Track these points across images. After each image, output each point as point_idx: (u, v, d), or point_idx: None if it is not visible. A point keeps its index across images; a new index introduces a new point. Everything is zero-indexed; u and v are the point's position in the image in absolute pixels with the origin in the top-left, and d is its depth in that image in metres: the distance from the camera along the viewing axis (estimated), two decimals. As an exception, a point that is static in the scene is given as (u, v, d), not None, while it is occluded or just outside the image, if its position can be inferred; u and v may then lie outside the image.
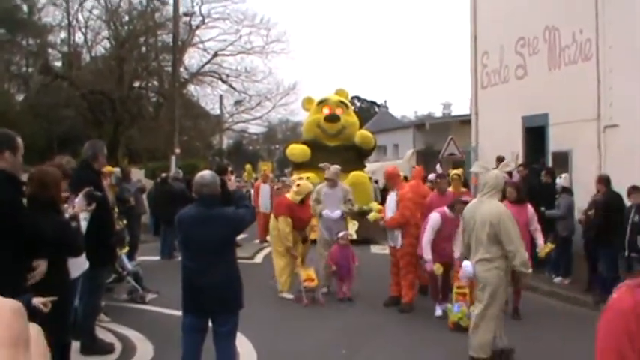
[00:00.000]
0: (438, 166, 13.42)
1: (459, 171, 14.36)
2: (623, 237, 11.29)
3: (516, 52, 20.30)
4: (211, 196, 6.85)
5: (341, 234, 12.93)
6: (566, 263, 14.07)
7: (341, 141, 23.25)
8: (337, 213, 13.36)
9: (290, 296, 12.73)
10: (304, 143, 23.54)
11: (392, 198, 12.19)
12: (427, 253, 11.00)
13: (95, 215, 7.80)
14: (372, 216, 13.10)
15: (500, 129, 20.69)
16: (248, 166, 34.83)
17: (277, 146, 74.31)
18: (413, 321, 11.19)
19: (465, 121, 25.89)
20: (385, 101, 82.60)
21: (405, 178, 22.07)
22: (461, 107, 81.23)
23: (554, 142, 18.16)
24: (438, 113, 45.56)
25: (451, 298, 11.04)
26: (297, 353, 9.38)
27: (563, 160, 17.17)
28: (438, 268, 11.01)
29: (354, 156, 22.89)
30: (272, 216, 13.55)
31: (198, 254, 6.81)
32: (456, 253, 10.82)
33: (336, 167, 14.04)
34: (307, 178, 16.00)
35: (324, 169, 14.32)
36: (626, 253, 11.18)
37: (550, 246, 11.65)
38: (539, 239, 11.37)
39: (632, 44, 14.93)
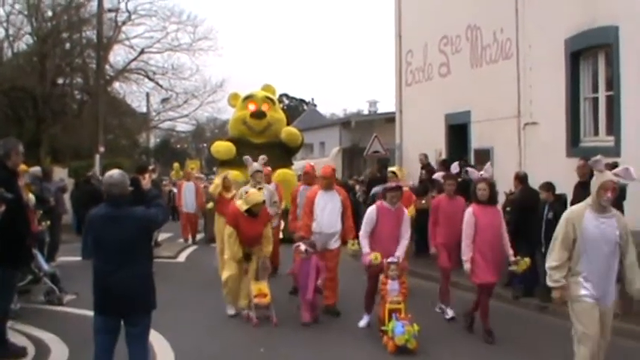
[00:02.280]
0: (454, 165, 11.94)
1: (395, 168, 14.22)
2: (540, 233, 11.46)
3: (440, 50, 20.54)
4: (120, 196, 6.75)
5: (301, 247, 11.10)
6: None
7: (267, 138, 22.95)
8: None
9: (232, 312, 11.35)
10: (230, 140, 23.16)
11: (302, 194, 12.40)
12: (364, 246, 10.24)
13: (6, 216, 7.58)
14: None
15: (424, 126, 20.89)
16: (176, 165, 34.43)
17: (205, 144, 73.73)
18: (338, 323, 11.04)
19: (390, 119, 26.07)
20: (313, 99, 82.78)
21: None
22: (387, 105, 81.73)
23: (476, 139, 18.44)
24: (366, 111, 45.71)
25: (380, 315, 10.06)
26: (215, 353, 9.27)
27: (484, 157, 17.39)
28: (375, 258, 10.02)
29: (281, 153, 22.54)
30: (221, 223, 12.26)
31: (108, 254, 6.69)
32: (465, 256, 9.93)
33: (262, 158, 13.79)
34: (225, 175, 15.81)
35: (246, 163, 13.65)
36: (543, 249, 11.32)
37: (527, 262, 9.96)
38: (509, 249, 10.06)
39: (551, 43, 15.21)
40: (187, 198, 22.57)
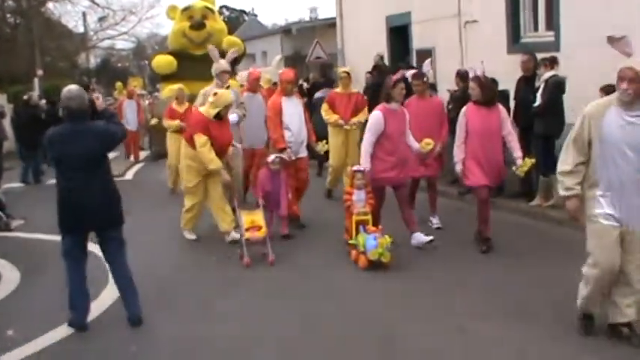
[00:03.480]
0: (426, 63, 11.03)
1: (347, 68, 13.85)
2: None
3: (380, -49, 20.20)
4: (79, 110, 6.70)
5: (271, 157, 10.31)
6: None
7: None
8: (234, 117, 11.20)
9: (192, 236, 10.61)
10: (170, 54, 22.81)
11: (249, 101, 11.99)
12: (365, 161, 9.27)
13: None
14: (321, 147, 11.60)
15: (365, 30, 20.74)
16: (119, 84, 33.76)
17: (147, 62, 72.54)
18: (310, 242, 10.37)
19: (331, 25, 25.82)
20: (253, 9, 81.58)
21: (275, 84, 22.09)
22: (328, 11, 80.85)
23: (418, 40, 18.38)
24: (307, 18, 45.18)
25: (347, 228, 9.55)
26: (168, 273, 9.17)
27: (426, 57, 17.26)
28: (427, 143, 9.44)
29: None
30: (182, 143, 10.59)
31: (73, 171, 6.68)
32: (456, 158, 9.43)
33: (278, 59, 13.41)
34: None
35: (212, 56, 12.33)
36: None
37: (531, 161, 9.30)
38: (517, 150, 9.33)
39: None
40: (128, 116, 22.30)
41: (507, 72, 12.10)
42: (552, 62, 11.12)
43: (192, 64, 21.40)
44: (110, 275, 7.45)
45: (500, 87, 11.80)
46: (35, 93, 26.58)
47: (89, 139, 6.64)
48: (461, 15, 16.31)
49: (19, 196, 14.13)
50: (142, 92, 26.48)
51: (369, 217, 9.11)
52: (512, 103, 11.77)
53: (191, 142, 9.88)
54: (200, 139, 9.68)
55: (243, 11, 78.52)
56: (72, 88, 6.83)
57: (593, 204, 5.85)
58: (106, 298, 7.89)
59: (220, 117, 9.84)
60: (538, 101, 10.92)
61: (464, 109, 9.46)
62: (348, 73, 12.99)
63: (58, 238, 7.11)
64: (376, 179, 9.35)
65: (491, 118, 9.26)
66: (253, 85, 12.39)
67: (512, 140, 9.34)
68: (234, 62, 23.24)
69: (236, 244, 9.71)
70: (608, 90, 9.81)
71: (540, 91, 10.97)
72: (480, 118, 9.21)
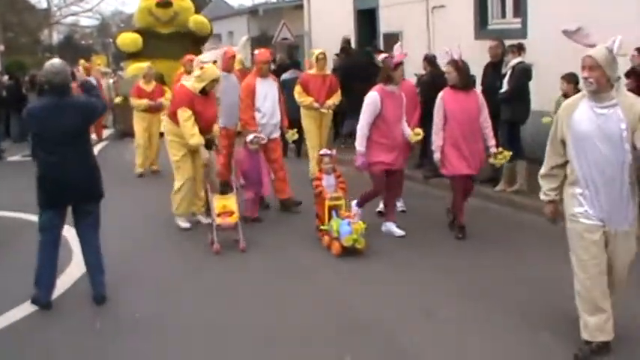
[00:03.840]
0: (396, 47, 10.15)
1: (323, 50, 13.44)
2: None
3: None
4: (63, 85, 6.67)
5: (250, 137, 10.08)
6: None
7: (175, 27, 22.43)
8: None
9: (186, 224, 9.92)
10: (136, 32, 22.61)
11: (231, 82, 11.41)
12: (361, 144, 8.99)
13: None
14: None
15: (333, 12, 20.72)
16: (82, 61, 33.38)
17: (111, 39, 71.72)
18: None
19: (298, 6, 25.70)
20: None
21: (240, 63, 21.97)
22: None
23: (385, 24, 18.40)
24: (274, 0, 44.97)
25: (319, 214, 9.22)
26: (136, 248, 9.17)
27: (394, 42, 17.32)
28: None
29: (190, 43, 21.83)
30: (164, 118, 10.30)
31: (54, 146, 6.64)
32: (434, 145, 9.19)
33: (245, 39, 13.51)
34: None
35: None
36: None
37: (507, 154, 9.29)
38: (491, 138, 9.18)
39: None
40: (88, 93, 21.96)
41: (474, 58, 12.10)
42: (519, 49, 11.18)
43: (158, 43, 21.29)
44: (73, 253, 7.38)
45: (468, 72, 11.87)
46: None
47: (72, 113, 6.64)
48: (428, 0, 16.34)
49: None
50: (105, 70, 26.15)
51: (342, 202, 8.87)
52: (478, 89, 11.82)
53: (174, 118, 9.51)
54: (184, 113, 9.31)
55: (209, -10, 77.83)
56: (55, 62, 6.80)
57: (573, 202, 5.46)
58: (69, 275, 7.82)
59: (206, 92, 9.46)
60: (505, 87, 10.97)
61: (441, 93, 9.15)
62: (324, 54, 12.78)
63: (19, 215, 7.04)
64: (373, 163, 9.08)
65: (470, 102, 9.05)
66: (228, 65, 11.82)
67: (488, 127, 9.13)
68: (199, 42, 23.09)
69: (199, 224, 9.77)
70: (569, 79, 9.95)
71: (507, 77, 11.02)
72: (458, 103, 8.97)
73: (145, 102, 14.48)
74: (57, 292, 7.16)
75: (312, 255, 8.66)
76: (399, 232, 9.29)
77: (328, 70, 13.32)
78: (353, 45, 18.97)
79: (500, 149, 9.24)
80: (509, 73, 11.02)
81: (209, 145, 9.70)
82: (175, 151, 9.75)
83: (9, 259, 8.58)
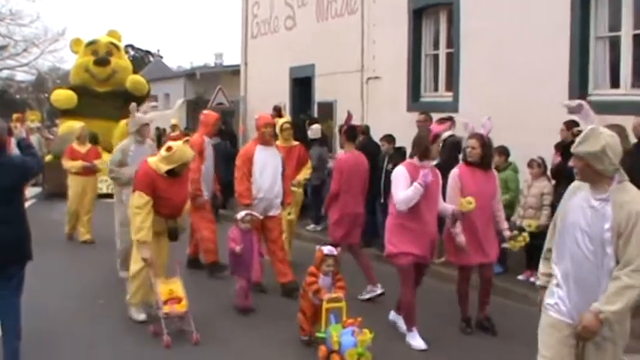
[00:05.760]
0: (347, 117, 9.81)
1: (287, 118, 12.83)
2: (380, 183, 11.73)
3: (286, 3, 20.42)
4: (1, 142, 6.43)
5: (241, 214, 9.04)
6: (317, 211, 14.03)
7: (111, 86, 22.21)
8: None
9: (142, 316, 8.49)
10: (71, 89, 22.30)
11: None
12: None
13: None
14: None
15: (269, 79, 20.82)
16: (16, 116, 32.89)
17: (47, 95, 70.92)
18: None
19: (235, 71, 25.86)
20: (159, 50, 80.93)
21: (175, 127, 21.88)
22: (233, 57, 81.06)
23: (320, 93, 18.54)
24: (213, 64, 45.21)
25: (302, 318, 7.75)
26: (54, 305, 8.89)
27: (328, 111, 17.59)
28: (468, 202, 7.65)
29: (126, 103, 21.61)
30: (130, 192, 8.70)
31: None
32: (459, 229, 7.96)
33: (152, 105, 12.78)
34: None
35: (132, 113, 10.61)
36: (382, 200, 11.61)
37: (525, 236, 8.13)
38: (503, 221, 8.29)
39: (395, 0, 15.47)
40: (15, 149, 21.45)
41: (406, 129, 12.29)
42: (449, 122, 11.37)
43: (94, 101, 21.07)
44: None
45: (398, 143, 12.04)
46: None
47: (7, 171, 6.36)
48: (364, 70, 16.58)
49: None
50: (35, 125, 25.69)
51: (342, 304, 7.36)
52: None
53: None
54: (140, 199, 8.01)
55: (148, 52, 77.85)
56: None
57: (549, 292, 4.87)
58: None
59: (175, 174, 8.16)
60: (436, 160, 11.10)
61: (456, 170, 8.17)
62: (289, 124, 11.62)
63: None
64: (401, 255, 7.69)
65: (489, 183, 8.10)
66: (213, 129, 11.24)
67: (500, 209, 8.28)
68: (137, 102, 22.83)
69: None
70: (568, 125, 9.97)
71: (411, 146, 11.22)
72: (476, 183, 7.95)
73: (79, 163, 13.76)
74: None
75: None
76: (421, 344, 7.74)
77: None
78: (288, 113, 19.09)
79: (516, 232, 8.21)
80: (440, 145, 11.15)
81: (173, 235, 8.49)
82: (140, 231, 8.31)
83: None
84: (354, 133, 9.90)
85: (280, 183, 9.84)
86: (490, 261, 8.24)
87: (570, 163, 4.78)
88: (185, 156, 8.13)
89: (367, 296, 9.55)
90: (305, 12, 19.32)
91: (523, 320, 8.23)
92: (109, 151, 15.49)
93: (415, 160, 7.69)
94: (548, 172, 10.52)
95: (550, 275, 4.91)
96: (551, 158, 10.56)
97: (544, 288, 4.96)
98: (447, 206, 7.86)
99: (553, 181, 10.43)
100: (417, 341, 7.72)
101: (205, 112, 10.80)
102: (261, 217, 9.27)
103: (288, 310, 8.63)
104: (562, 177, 9.84)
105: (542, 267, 5.08)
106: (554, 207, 8.56)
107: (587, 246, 4.58)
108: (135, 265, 8.40)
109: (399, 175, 7.59)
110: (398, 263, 7.73)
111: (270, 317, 8.77)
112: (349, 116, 9.82)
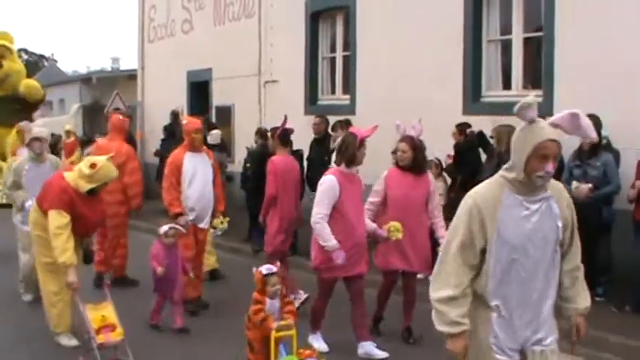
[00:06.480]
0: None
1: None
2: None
3: (183, 6, 20.25)
4: None
5: (164, 228, 8.22)
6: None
7: (4, 91, 21.11)
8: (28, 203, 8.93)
9: (72, 343, 7.66)
10: (-41, 95, 21.29)
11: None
12: (326, 236, 7.15)
13: None
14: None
15: (166, 83, 20.60)
16: None
17: None
18: None
19: (132, 76, 25.48)
20: (53, 54, 79.28)
21: (70, 133, 21.29)
22: (130, 62, 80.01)
23: (218, 97, 18.45)
24: (109, 68, 44.46)
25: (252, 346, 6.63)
26: None
27: (226, 114, 17.49)
28: (395, 229, 7.37)
29: (20, 108, 20.55)
30: (32, 210, 8.02)
31: None
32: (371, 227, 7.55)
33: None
34: None
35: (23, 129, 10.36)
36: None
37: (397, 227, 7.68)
38: (440, 228, 7.72)
39: (292, 3, 15.55)
40: None
41: (303, 132, 12.33)
42: (347, 125, 11.45)
43: (-15, 106, 20.17)
44: None
45: (296, 146, 12.01)
46: None
47: None
48: (261, 74, 16.56)
49: None
50: None
51: (293, 332, 6.41)
52: (305, 163, 11.99)
53: (45, 212, 7.46)
54: (61, 218, 7.23)
55: (42, 56, 76.10)
56: None
57: (486, 330, 4.07)
58: None
59: (95, 193, 7.55)
60: (333, 162, 11.13)
61: (385, 173, 7.86)
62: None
63: None
64: (327, 269, 7.31)
65: (419, 187, 7.71)
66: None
67: (438, 217, 7.82)
68: (30, 108, 22.08)
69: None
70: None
71: (335, 152, 11.18)
72: (403, 187, 7.65)
73: None
74: None
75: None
76: (380, 354, 7.43)
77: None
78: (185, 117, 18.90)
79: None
80: (337, 148, 11.19)
81: (89, 256, 7.89)
82: (46, 251, 7.57)
83: None
84: (288, 137, 9.51)
85: (211, 191, 9.21)
86: (413, 270, 7.87)
87: (550, 167, 3.77)
88: (109, 174, 7.49)
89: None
90: (202, 15, 19.18)
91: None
92: (3, 159, 14.95)
93: (342, 167, 7.38)
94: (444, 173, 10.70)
95: (467, 314, 4.03)
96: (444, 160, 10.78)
97: (463, 333, 4.02)
98: (370, 225, 7.51)
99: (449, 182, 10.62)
100: (374, 352, 7.42)
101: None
102: (184, 231, 8.55)
103: (228, 331, 7.97)
104: (454, 178, 10.10)
105: (455, 308, 4.00)
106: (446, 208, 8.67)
107: (538, 255, 3.98)
108: (51, 287, 7.65)
109: (328, 189, 7.22)
110: (323, 277, 7.43)
111: (214, 339, 8.07)
112: (284, 120, 9.44)
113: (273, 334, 6.25)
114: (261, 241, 12.18)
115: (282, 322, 6.34)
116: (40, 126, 11.03)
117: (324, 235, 7.09)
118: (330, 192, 7.16)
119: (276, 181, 9.05)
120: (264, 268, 6.46)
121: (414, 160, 7.65)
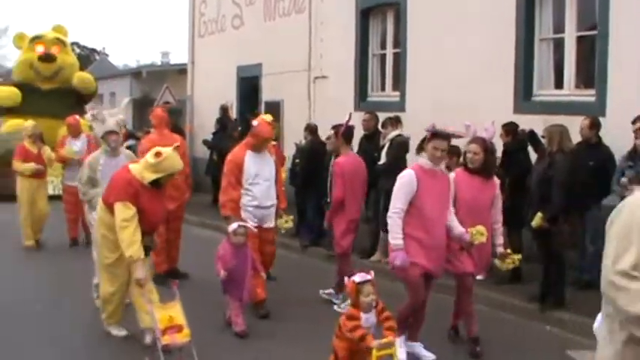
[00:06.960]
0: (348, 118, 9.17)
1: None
2: (327, 183, 11.69)
3: (233, 2, 20.33)
4: None
5: (234, 226, 7.82)
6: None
7: (57, 84, 21.23)
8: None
9: (122, 332, 7.69)
10: (15, 85, 21.37)
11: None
12: (396, 235, 6.85)
13: None
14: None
15: (216, 78, 20.69)
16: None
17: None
18: None
19: (182, 70, 25.64)
20: (104, 48, 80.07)
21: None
22: (180, 56, 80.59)
23: (267, 92, 18.50)
24: (159, 62, 44.76)
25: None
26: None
27: (275, 110, 17.52)
28: (480, 233, 7.04)
29: (73, 101, 20.62)
30: (99, 207, 7.69)
31: None
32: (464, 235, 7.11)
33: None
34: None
35: (96, 117, 9.70)
36: (328, 199, 11.57)
37: (515, 259, 7.49)
38: (499, 235, 7.58)
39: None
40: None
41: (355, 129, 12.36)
42: (397, 122, 11.42)
43: (39, 99, 20.22)
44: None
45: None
46: None
47: None
48: (311, 70, 16.59)
49: None
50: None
51: (393, 350, 5.86)
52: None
53: (111, 208, 7.22)
54: (127, 210, 7.01)
55: (94, 50, 76.92)
56: None
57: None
58: None
59: (160, 185, 7.37)
60: (383, 159, 11.14)
61: (453, 174, 7.54)
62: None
63: None
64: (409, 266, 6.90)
65: (486, 191, 7.45)
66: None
67: (498, 223, 7.58)
68: (83, 100, 22.24)
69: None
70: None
71: (385, 149, 11.20)
72: (472, 191, 7.36)
73: (32, 166, 12.54)
74: None
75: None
76: (429, 355, 7.23)
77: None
78: (235, 112, 19.03)
79: (509, 250, 7.63)
80: (387, 145, 11.20)
81: (148, 251, 7.50)
82: (108, 252, 7.45)
83: None
84: (352, 135, 9.33)
85: (274, 190, 8.91)
86: (477, 273, 7.83)
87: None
88: (175, 165, 7.22)
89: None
90: (252, 11, 19.25)
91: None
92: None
93: (424, 162, 7.03)
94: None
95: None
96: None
97: None
98: (459, 228, 7.09)
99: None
100: (423, 353, 7.22)
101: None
102: (255, 230, 8.17)
103: (299, 333, 7.94)
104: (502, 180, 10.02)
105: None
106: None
107: None
108: (109, 287, 7.52)
109: (405, 183, 6.91)
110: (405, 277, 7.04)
111: (283, 341, 7.73)
112: (349, 118, 9.24)
113: (374, 354, 5.66)
114: (309, 237, 12.34)
115: (384, 341, 5.77)
116: (114, 114, 10.48)
117: (393, 230, 6.84)
118: (407, 187, 6.83)
119: (344, 184, 8.89)
120: (358, 277, 5.90)
121: (484, 162, 7.35)
